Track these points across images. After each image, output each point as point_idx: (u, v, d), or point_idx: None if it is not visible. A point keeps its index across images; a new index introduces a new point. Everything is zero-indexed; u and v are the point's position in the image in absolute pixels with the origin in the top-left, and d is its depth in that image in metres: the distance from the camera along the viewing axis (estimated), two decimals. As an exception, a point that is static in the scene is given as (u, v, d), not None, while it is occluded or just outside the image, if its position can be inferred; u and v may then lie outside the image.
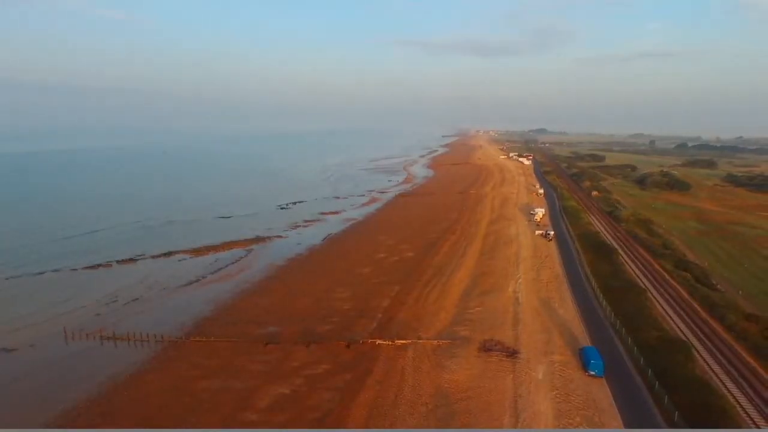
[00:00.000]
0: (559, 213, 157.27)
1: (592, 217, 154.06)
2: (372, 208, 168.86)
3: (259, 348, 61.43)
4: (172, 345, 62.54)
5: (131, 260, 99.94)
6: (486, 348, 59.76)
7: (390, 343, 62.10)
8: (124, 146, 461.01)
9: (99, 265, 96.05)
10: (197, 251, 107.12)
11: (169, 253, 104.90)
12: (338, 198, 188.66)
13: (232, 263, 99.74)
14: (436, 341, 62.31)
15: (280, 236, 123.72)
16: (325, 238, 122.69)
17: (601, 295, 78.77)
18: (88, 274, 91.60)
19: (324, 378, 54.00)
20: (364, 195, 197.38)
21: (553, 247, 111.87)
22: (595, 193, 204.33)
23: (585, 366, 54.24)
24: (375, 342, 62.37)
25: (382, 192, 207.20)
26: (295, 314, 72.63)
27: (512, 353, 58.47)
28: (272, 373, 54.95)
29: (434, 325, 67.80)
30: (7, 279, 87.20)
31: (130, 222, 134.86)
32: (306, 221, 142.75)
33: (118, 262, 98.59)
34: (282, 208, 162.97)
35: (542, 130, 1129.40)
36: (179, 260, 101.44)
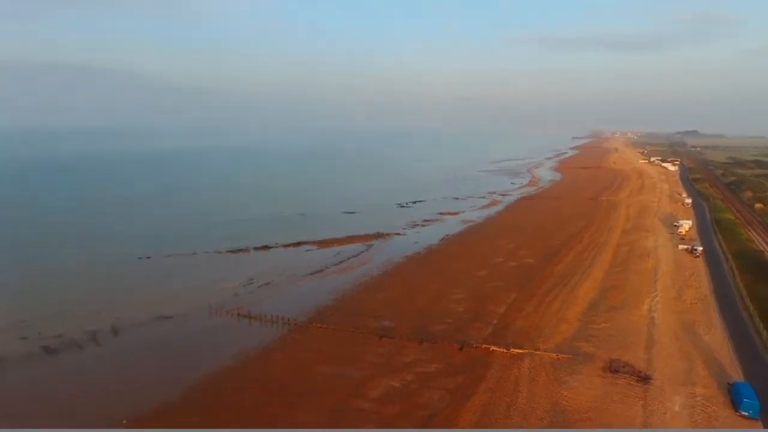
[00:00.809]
0: (711, 226, 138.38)
1: (753, 233, 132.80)
2: (492, 210, 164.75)
3: (373, 340, 63.49)
4: (297, 328, 67.47)
5: (266, 247, 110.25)
6: (612, 368, 54.81)
7: (504, 350, 59.99)
8: (248, 146, 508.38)
9: (239, 250, 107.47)
10: (322, 243, 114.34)
11: (298, 243, 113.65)
12: (457, 199, 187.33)
13: (353, 256, 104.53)
14: (555, 354, 58.74)
15: (399, 234, 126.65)
16: (442, 239, 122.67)
17: (761, 324, 67.40)
18: (230, 258, 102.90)
19: (435, 377, 53.99)
20: (484, 197, 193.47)
21: (700, 265, 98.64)
22: (758, 205, 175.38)
23: (736, 404, 47.03)
24: (489, 348, 60.74)
25: (504, 194, 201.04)
26: (409, 311, 73.74)
27: (644, 378, 52.83)
28: (385, 366, 56.41)
29: (554, 338, 63.95)
30: (167, 257, 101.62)
31: (268, 212, 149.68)
32: (425, 220, 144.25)
33: (255, 248, 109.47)
34: (401, 207, 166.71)
35: (693, 133, 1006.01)
36: (306, 250, 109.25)
